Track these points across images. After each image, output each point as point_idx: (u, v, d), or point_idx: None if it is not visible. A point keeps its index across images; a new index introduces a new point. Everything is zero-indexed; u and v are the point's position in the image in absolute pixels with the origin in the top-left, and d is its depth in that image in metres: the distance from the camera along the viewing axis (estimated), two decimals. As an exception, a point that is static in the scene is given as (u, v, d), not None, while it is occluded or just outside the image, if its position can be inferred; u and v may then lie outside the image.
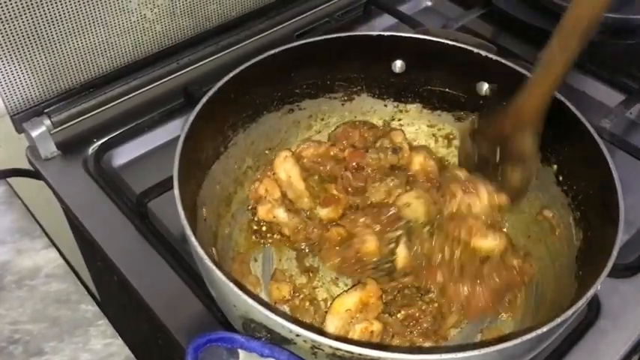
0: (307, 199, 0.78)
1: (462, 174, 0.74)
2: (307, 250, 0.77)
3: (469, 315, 0.69)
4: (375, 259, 0.70)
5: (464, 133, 0.78)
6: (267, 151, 0.81)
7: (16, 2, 0.77)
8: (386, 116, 0.86)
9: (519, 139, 0.69)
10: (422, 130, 0.86)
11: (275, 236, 0.78)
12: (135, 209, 0.79)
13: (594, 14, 0.63)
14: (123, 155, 0.89)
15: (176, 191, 0.59)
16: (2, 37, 0.79)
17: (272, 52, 0.74)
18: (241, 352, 0.53)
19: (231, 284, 0.52)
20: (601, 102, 0.99)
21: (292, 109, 0.81)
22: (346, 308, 0.65)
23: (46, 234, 0.78)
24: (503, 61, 0.75)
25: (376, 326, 0.65)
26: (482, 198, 0.71)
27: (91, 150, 0.88)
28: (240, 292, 0.51)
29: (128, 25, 0.90)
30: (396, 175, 0.78)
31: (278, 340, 0.51)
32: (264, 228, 0.78)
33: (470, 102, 0.81)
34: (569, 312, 0.52)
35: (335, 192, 0.79)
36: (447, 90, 0.81)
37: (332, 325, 0.64)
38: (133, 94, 0.93)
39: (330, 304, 0.67)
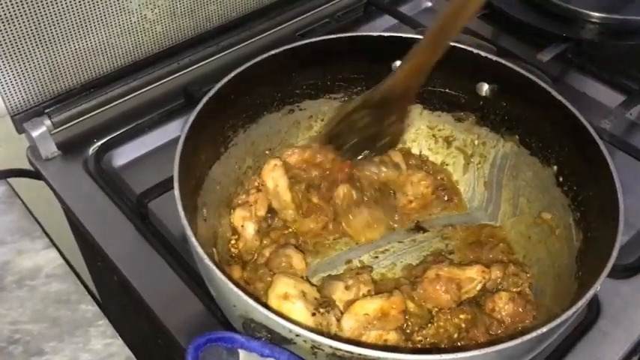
0: (292, 211, 0.78)
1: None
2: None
3: None
4: None
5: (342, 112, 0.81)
6: (267, 152, 0.81)
7: (16, 3, 0.77)
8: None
9: (403, 103, 0.79)
10: (422, 131, 0.86)
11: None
12: (135, 209, 0.79)
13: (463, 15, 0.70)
14: (123, 155, 0.89)
15: (176, 192, 0.59)
16: (3, 37, 0.79)
17: (272, 52, 0.74)
18: (241, 352, 0.53)
19: (230, 284, 0.52)
20: (601, 103, 0.99)
21: (292, 109, 0.82)
22: (365, 312, 0.64)
23: (47, 234, 0.78)
24: (502, 61, 0.75)
25: (392, 336, 0.64)
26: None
27: (91, 150, 0.88)
28: (240, 292, 0.51)
29: (129, 26, 0.90)
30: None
31: (278, 340, 0.51)
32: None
33: (470, 102, 0.81)
34: (569, 312, 0.52)
35: (316, 201, 0.79)
36: (447, 90, 0.81)
37: (347, 325, 0.63)
38: (134, 94, 0.93)
39: (352, 304, 0.66)
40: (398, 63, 0.80)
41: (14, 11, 0.78)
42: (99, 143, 0.88)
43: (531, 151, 0.76)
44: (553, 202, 0.73)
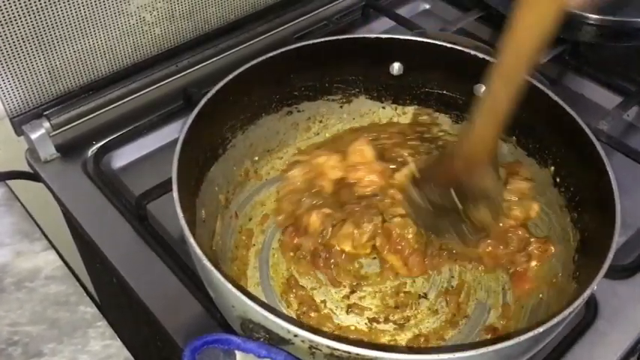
0: None
1: None
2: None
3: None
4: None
5: (405, 186, 0.74)
6: (265, 153, 0.81)
7: (15, 5, 0.78)
8: (384, 118, 0.86)
9: (478, 179, 0.64)
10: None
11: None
12: (134, 211, 0.79)
13: (538, 41, 0.56)
14: (122, 157, 0.90)
15: (175, 193, 0.60)
16: (2, 39, 0.79)
17: (271, 54, 0.75)
18: (238, 354, 0.53)
19: (229, 285, 0.52)
20: (598, 104, 1.00)
21: (291, 111, 0.82)
22: None
23: (45, 236, 0.78)
24: (500, 63, 0.75)
25: None
26: None
27: (90, 152, 0.88)
28: (238, 293, 0.51)
29: (127, 28, 0.91)
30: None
31: (276, 341, 0.52)
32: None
33: (467, 104, 0.81)
34: (566, 312, 0.52)
35: None
36: (444, 92, 0.81)
37: None
38: (132, 96, 0.93)
39: None
40: (396, 65, 0.81)
41: (13, 14, 0.78)
42: (98, 145, 0.89)
43: (528, 152, 0.77)
44: (550, 203, 0.73)
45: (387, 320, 0.70)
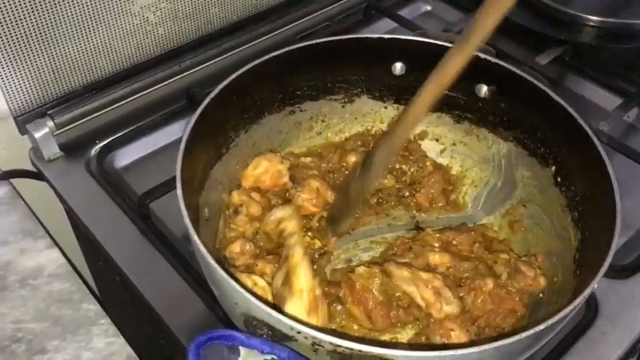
0: None
1: None
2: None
3: None
4: None
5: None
6: (268, 152, 0.82)
7: (20, 5, 0.78)
8: (386, 118, 0.87)
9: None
10: (422, 132, 0.87)
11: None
12: (137, 210, 0.80)
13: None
14: (125, 157, 0.90)
15: (179, 191, 0.60)
16: (6, 39, 0.79)
17: (274, 54, 0.75)
18: (242, 350, 0.54)
19: (233, 282, 0.52)
20: (599, 105, 1.00)
21: (293, 110, 0.82)
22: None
23: (49, 234, 0.79)
24: (501, 63, 0.76)
25: None
26: None
27: (93, 151, 0.89)
28: (242, 290, 0.52)
29: (131, 28, 0.91)
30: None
31: (279, 338, 0.52)
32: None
33: (469, 103, 0.81)
34: (567, 310, 0.53)
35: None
36: (446, 92, 0.81)
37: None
38: (136, 96, 0.94)
39: None
40: (398, 65, 0.81)
41: (17, 13, 0.79)
42: (101, 144, 0.89)
43: (530, 152, 0.77)
44: (551, 202, 0.73)
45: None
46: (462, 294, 0.68)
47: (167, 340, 0.74)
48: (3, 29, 0.79)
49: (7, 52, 0.81)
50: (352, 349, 0.49)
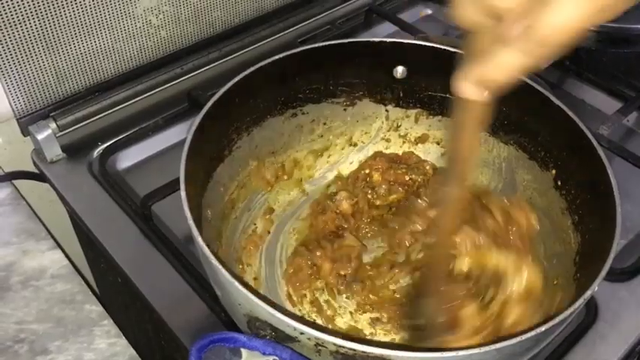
0: None
1: None
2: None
3: None
4: None
5: None
6: (270, 155, 0.82)
7: (23, 7, 0.79)
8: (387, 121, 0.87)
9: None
10: (423, 135, 0.87)
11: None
12: (139, 212, 0.80)
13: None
14: (127, 158, 0.91)
15: (183, 192, 0.60)
16: (10, 40, 0.80)
17: (276, 57, 0.75)
18: (244, 351, 0.54)
19: (236, 282, 0.53)
20: (599, 110, 1.01)
21: (295, 113, 0.82)
22: None
23: (51, 235, 0.79)
24: (502, 67, 0.76)
25: None
26: None
27: (95, 153, 0.89)
28: (245, 291, 0.52)
29: (133, 31, 0.91)
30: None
31: (282, 338, 0.52)
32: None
33: (470, 107, 0.82)
34: (567, 312, 0.53)
35: None
36: (447, 95, 0.82)
37: None
38: (138, 98, 0.94)
39: None
40: (400, 68, 0.82)
41: (20, 15, 0.79)
42: (103, 146, 0.89)
43: (530, 155, 0.77)
44: (551, 205, 0.74)
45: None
46: None
47: (168, 342, 0.75)
48: (6, 31, 0.79)
49: (10, 54, 0.81)
50: (355, 350, 0.49)
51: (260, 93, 0.78)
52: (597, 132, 0.88)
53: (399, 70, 0.82)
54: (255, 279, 0.75)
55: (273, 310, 0.51)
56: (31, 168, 0.89)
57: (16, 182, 0.85)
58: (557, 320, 0.52)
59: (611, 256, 0.58)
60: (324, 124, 0.86)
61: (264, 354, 0.54)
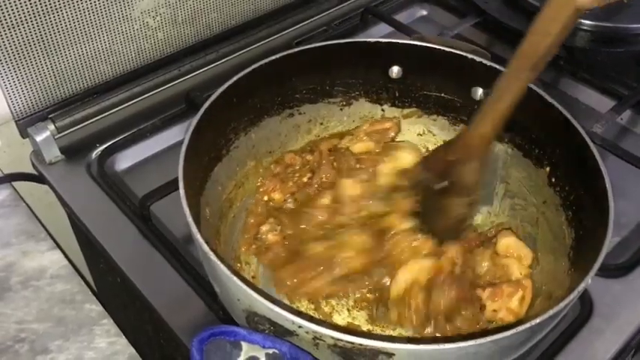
0: None
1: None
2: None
3: None
4: None
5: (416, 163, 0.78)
6: (267, 155, 0.83)
7: (21, 9, 0.79)
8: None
9: (466, 171, 0.68)
10: (419, 135, 0.88)
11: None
12: (138, 212, 0.81)
13: (551, 43, 0.59)
14: (125, 160, 0.91)
15: (181, 190, 0.61)
16: (8, 43, 0.80)
17: (273, 57, 0.76)
18: (244, 345, 0.54)
19: (235, 278, 0.53)
20: (592, 108, 1.01)
21: (292, 113, 0.83)
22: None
23: (51, 236, 0.79)
24: (497, 66, 0.77)
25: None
26: None
27: (94, 155, 0.89)
28: (244, 285, 0.53)
29: (131, 33, 0.92)
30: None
31: (281, 333, 0.53)
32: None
33: (465, 106, 0.82)
34: (562, 304, 0.54)
35: None
36: (442, 95, 0.83)
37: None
38: (136, 100, 0.95)
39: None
40: (395, 68, 0.82)
41: (19, 18, 0.80)
42: (102, 148, 0.90)
43: (524, 153, 0.78)
44: (545, 202, 0.75)
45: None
46: None
47: (167, 340, 0.75)
48: (4, 34, 0.80)
49: (8, 56, 0.82)
50: (353, 343, 0.50)
51: (257, 93, 0.78)
52: (591, 130, 0.89)
53: (395, 70, 0.83)
54: (253, 277, 0.76)
55: (271, 305, 0.51)
56: (30, 170, 0.89)
57: (16, 184, 0.86)
58: (551, 312, 0.53)
59: (605, 250, 0.59)
60: (321, 124, 0.86)
61: (263, 347, 0.54)
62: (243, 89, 0.75)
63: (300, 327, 0.51)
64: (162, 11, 0.93)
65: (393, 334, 0.69)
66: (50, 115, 0.88)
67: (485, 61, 0.78)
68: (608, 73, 1.04)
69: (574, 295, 0.54)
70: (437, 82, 0.82)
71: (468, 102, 0.82)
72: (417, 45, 0.80)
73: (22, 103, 0.86)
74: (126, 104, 0.94)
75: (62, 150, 0.89)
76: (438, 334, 0.66)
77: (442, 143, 0.80)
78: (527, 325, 0.51)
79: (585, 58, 1.07)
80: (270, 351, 0.53)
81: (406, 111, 0.87)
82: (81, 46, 0.88)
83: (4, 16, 0.78)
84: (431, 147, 0.87)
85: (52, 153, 0.88)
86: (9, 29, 0.80)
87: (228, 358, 0.53)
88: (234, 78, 0.73)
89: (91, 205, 0.83)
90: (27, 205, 0.83)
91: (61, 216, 0.90)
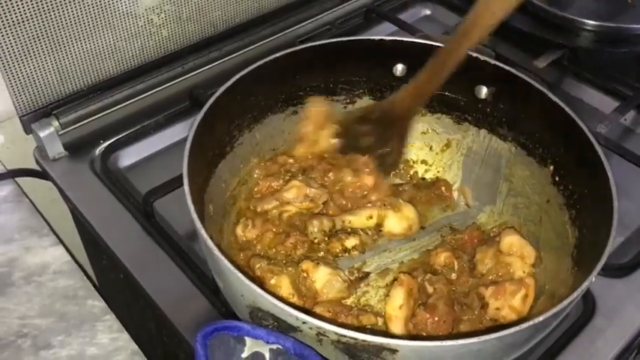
0: None
1: None
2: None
3: None
4: None
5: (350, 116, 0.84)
6: (271, 152, 0.83)
7: (25, 6, 0.79)
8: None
9: (403, 123, 0.82)
10: (423, 133, 0.88)
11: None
12: (141, 208, 0.81)
13: (495, 23, 0.70)
14: (129, 156, 0.91)
15: (186, 187, 0.61)
16: (13, 39, 0.81)
17: (277, 54, 0.76)
18: (248, 340, 0.55)
19: (239, 273, 0.53)
20: (596, 108, 1.01)
21: (296, 110, 0.83)
22: (399, 305, 0.67)
23: (54, 232, 0.79)
24: (501, 65, 0.77)
25: None
26: None
27: (97, 151, 0.90)
28: (248, 281, 0.53)
29: (135, 30, 0.92)
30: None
31: (285, 328, 0.53)
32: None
33: (469, 105, 0.82)
34: (565, 302, 0.54)
35: None
36: (446, 93, 0.83)
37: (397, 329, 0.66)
38: (139, 97, 0.95)
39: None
40: (400, 66, 0.82)
41: (23, 14, 0.80)
42: (105, 144, 0.90)
43: (528, 152, 0.78)
44: (549, 201, 0.75)
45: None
46: None
47: (170, 337, 0.75)
48: (9, 30, 0.80)
49: (13, 53, 0.82)
50: (356, 339, 0.50)
51: (261, 91, 0.78)
52: (595, 131, 0.89)
53: (399, 68, 0.83)
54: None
55: (275, 301, 0.52)
56: (34, 166, 0.89)
57: (19, 180, 0.86)
58: (555, 310, 0.53)
59: (608, 249, 0.59)
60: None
61: (267, 342, 0.55)
62: (247, 86, 0.75)
63: (304, 323, 0.51)
64: (166, 8, 0.94)
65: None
66: (54, 112, 0.89)
67: (489, 60, 0.78)
68: (611, 73, 1.04)
69: (577, 294, 0.54)
70: (441, 80, 0.82)
71: (472, 100, 0.82)
72: (421, 43, 0.80)
73: (26, 99, 0.86)
74: (130, 101, 0.94)
75: (66, 146, 0.89)
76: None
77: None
78: (531, 322, 0.51)
79: (589, 59, 1.07)
80: (274, 346, 0.53)
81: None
82: (85, 43, 0.88)
83: (9, 13, 0.78)
84: (435, 146, 0.88)
85: (56, 149, 0.88)
86: (13, 26, 0.80)
87: (232, 353, 0.53)
88: (238, 75, 0.73)
89: (94, 202, 0.83)
90: (30, 200, 0.83)
91: (64, 212, 0.90)
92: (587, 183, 0.70)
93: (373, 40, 0.81)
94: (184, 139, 0.67)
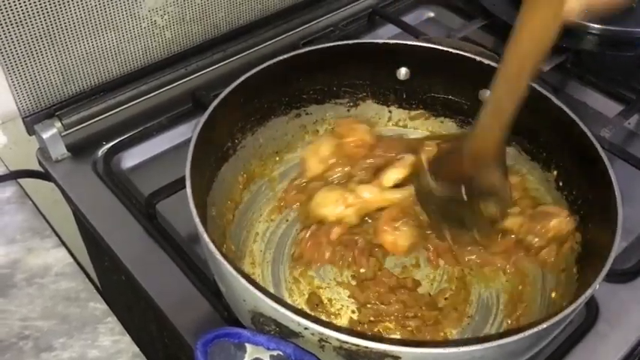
0: None
1: None
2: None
3: None
4: None
5: (417, 172, 0.75)
6: (274, 155, 0.83)
7: (28, 6, 0.79)
8: (390, 122, 0.88)
9: (486, 175, 0.67)
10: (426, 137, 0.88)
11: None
12: (144, 210, 0.81)
13: (540, 49, 0.59)
14: (132, 158, 0.91)
15: (188, 190, 0.61)
16: (15, 40, 0.80)
17: (281, 57, 0.76)
18: (248, 346, 0.54)
19: (241, 278, 0.53)
20: (600, 112, 1.01)
21: (299, 113, 0.83)
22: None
23: (56, 234, 0.79)
24: (505, 69, 0.77)
25: None
26: None
27: (100, 152, 0.89)
28: (250, 286, 0.53)
29: (138, 31, 0.92)
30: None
31: (286, 334, 0.53)
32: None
33: (472, 109, 0.82)
34: (568, 310, 0.53)
35: None
36: (449, 97, 0.83)
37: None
38: (142, 98, 0.95)
39: None
40: (403, 70, 0.82)
41: (26, 15, 0.80)
42: (108, 145, 0.90)
43: (532, 157, 0.78)
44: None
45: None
46: None
47: (172, 340, 0.75)
48: (12, 30, 0.80)
49: (16, 53, 0.82)
50: (359, 346, 0.50)
51: (264, 93, 0.78)
52: (599, 135, 0.88)
53: (402, 72, 0.83)
54: (258, 276, 0.76)
55: (277, 306, 0.51)
56: (36, 167, 0.89)
57: (21, 181, 0.86)
58: (558, 318, 0.53)
59: (612, 255, 0.58)
60: (328, 124, 0.86)
61: (268, 349, 0.54)
62: (251, 89, 0.75)
63: (306, 328, 0.51)
64: (170, 10, 0.93)
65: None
66: (57, 113, 0.88)
67: (493, 63, 0.78)
68: (615, 77, 1.04)
69: (581, 301, 0.54)
70: (444, 84, 0.82)
71: (476, 104, 0.81)
72: (424, 46, 0.80)
73: (29, 100, 0.86)
74: (132, 102, 0.94)
75: (68, 147, 0.89)
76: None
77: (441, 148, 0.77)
78: (535, 329, 0.51)
79: (593, 62, 1.06)
80: (275, 353, 0.53)
81: (413, 113, 0.87)
82: (88, 44, 0.88)
83: (12, 13, 0.78)
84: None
85: (59, 150, 0.88)
86: (16, 26, 0.80)
87: (233, 360, 0.53)
88: (242, 78, 0.73)
89: (97, 203, 0.83)
90: (32, 202, 0.83)
91: (67, 213, 0.90)
92: (591, 188, 0.70)
93: (376, 43, 0.81)
94: (187, 141, 0.67)
